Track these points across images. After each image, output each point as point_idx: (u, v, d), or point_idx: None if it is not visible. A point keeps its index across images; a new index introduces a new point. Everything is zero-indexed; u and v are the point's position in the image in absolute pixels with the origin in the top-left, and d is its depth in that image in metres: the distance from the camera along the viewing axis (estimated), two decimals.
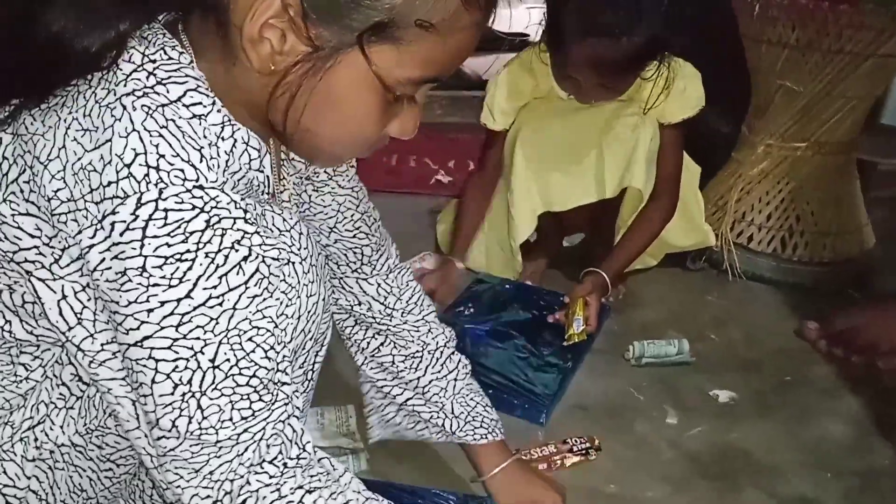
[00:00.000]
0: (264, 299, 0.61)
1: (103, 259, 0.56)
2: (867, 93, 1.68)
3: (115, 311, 0.57)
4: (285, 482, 0.63)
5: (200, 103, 0.61)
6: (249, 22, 0.60)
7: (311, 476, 0.65)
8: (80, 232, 0.57)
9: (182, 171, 0.57)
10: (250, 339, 0.60)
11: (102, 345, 0.61)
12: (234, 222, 0.58)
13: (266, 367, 0.61)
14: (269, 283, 0.62)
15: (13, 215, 0.59)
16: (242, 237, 0.59)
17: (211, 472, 0.61)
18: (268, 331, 0.61)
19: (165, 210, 0.56)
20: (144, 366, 0.58)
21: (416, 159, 2.16)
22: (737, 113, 1.86)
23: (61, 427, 0.69)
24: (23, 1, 0.60)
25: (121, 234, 0.56)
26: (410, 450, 1.10)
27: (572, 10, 1.31)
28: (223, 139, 0.62)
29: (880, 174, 2.12)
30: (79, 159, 0.57)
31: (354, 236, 0.92)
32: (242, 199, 0.60)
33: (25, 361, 0.69)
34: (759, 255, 1.75)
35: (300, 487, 0.64)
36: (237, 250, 0.58)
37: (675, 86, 1.43)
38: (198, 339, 0.58)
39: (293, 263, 0.68)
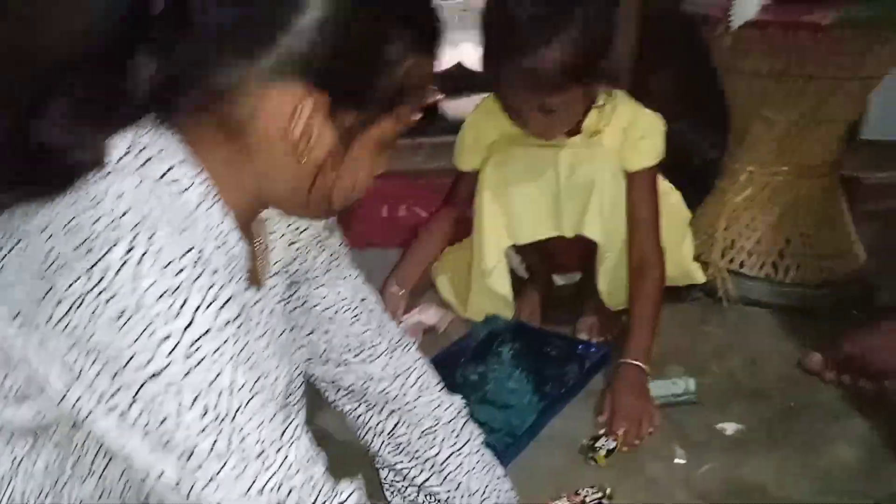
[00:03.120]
0: (247, 341, 0.63)
1: (97, 305, 0.57)
2: (848, 114, 1.70)
3: (117, 356, 0.58)
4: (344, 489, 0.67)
5: (184, 177, 0.65)
6: (292, 127, 0.66)
7: None
8: (71, 285, 0.58)
9: (171, 220, 0.60)
10: (255, 365, 0.62)
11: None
12: (217, 269, 0.61)
13: (275, 392, 0.66)
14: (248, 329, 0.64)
15: (9, 286, 0.61)
16: (229, 281, 0.61)
17: (261, 490, 0.62)
18: (260, 362, 0.64)
19: (157, 251, 0.58)
20: (164, 398, 0.59)
21: (406, 208, 2.18)
22: (722, 138, 1.89)
23: None
24: (15, 113, 0.62)
25: (112, 278, 0.57)
26: None
27: (489, 36, 1.31)
28: (201, 212, 0.65)
29: (866, 188, 2.14)
30: (69, 221, 0.59)
31: (353, 324, 0.95)
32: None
33: None
34: (752, 280, 1.76)
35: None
36: (224, 289, 0.61)
37: (632, 134, 1.43)
38: (210, 368, 0.60)
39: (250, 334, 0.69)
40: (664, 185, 1.62)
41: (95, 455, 0.68)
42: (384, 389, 0.97)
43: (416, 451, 0.99)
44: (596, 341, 1.55)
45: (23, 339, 0.61)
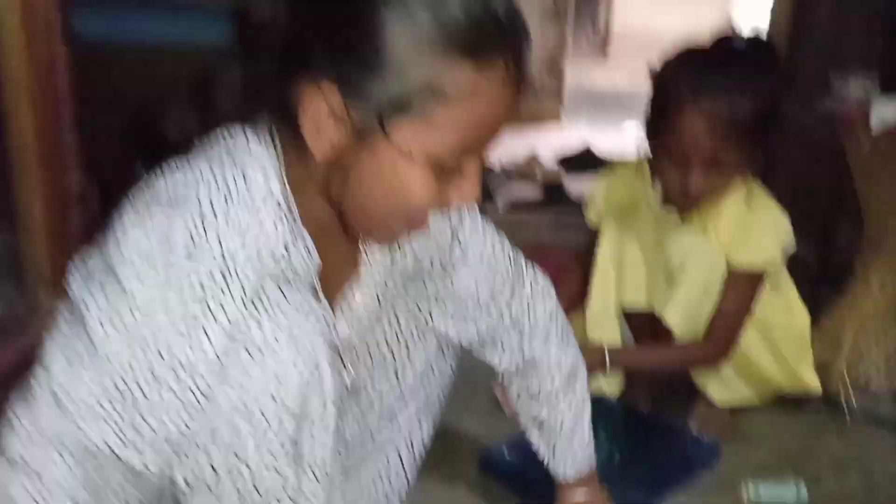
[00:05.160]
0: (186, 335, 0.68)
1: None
2: None
3: None
4: None
5: (251, 171, 0.73)
6: (307, 122, 0.71)
7: None
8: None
9: (206, 206, 0.70)
10: (165, 366, 0.69)
11: None
12: (219, 257, 0.69)
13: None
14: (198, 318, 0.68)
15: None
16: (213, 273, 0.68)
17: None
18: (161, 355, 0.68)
19: (167, 230, 0.69)
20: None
21: None
22: (841, 244, 1.85)
23: None
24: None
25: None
26: None
27: (684, 75, 1.36)
28: (258, 207, 0.72)
29: None
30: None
31: (493, 297, 1.01)
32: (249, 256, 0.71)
33: None
34: (878, 397, 1.69)
35: None
36: (214, 287, 0.68)
37: (748, 229, 1.43)
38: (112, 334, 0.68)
39: (261, 325, 0.72)
40: (796, 303, 1.59)
41: None
42: (502, 344, 1.06)
43: (520, 403, 1.12)
44: (707, 437, 1.52)
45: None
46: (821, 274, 1.88)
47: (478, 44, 0.67)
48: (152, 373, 0.68)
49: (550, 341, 1.08)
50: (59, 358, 0.70)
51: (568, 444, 1.11)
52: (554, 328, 1.09)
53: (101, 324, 0.68)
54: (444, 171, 0.72)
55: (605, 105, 4.77)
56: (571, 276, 1.66)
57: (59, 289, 1.51)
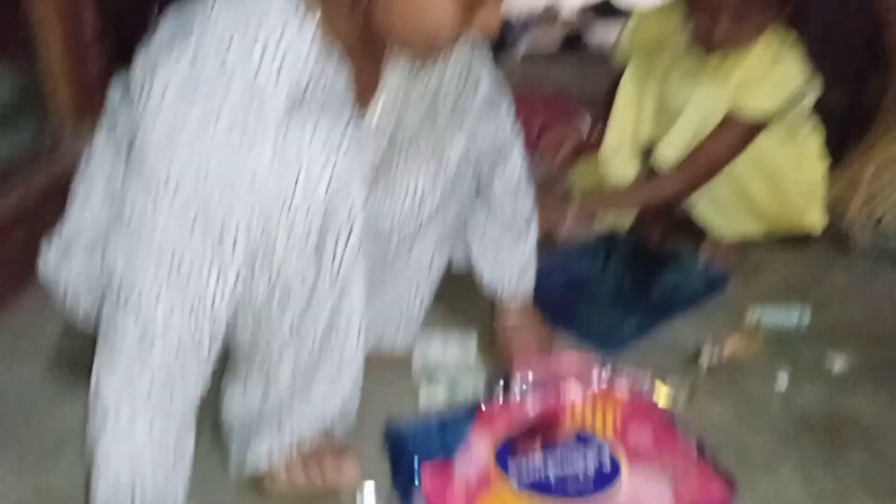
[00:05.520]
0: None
1: None
2: None
3: None
4: None
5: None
6: None
7: None
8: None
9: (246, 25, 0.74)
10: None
11: None
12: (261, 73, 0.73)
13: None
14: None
15: None
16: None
17: None
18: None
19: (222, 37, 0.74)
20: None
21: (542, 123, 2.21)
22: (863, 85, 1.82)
23: None
24: None
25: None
26: None
27: None
28: (274, 18, 0.75)
29: None
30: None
31: (496, 127, 1.10)
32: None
33: None
34: (889, 234, 1.70)
35: None
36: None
37: (756, 77, 1.42)
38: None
39: (303, 127, 0.76)
40: (812, 156, 1.58)
41: None
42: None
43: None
44: (715, 264, 1.56)
45: None
46: (850, 120, 1.86)
47: None
48: (222, 185, 0.73)
49: (525, 176, 1.17)
50: (137, 201, 0.75)
51: (523, 270, 1.21)
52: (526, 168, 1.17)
53: (161, 161, 0.73)
54: (468, 1, 0.76)
55: None
56: (576, 123, 1.71)
57: (80, 125, 1.56)
